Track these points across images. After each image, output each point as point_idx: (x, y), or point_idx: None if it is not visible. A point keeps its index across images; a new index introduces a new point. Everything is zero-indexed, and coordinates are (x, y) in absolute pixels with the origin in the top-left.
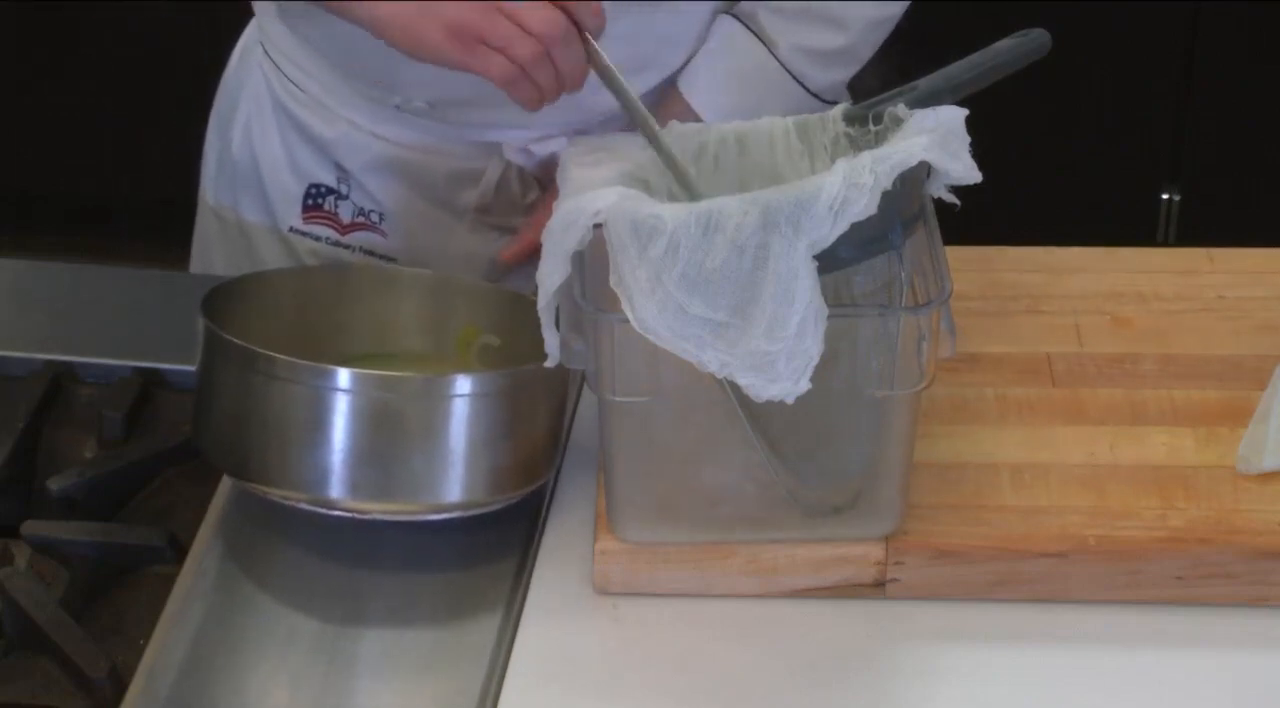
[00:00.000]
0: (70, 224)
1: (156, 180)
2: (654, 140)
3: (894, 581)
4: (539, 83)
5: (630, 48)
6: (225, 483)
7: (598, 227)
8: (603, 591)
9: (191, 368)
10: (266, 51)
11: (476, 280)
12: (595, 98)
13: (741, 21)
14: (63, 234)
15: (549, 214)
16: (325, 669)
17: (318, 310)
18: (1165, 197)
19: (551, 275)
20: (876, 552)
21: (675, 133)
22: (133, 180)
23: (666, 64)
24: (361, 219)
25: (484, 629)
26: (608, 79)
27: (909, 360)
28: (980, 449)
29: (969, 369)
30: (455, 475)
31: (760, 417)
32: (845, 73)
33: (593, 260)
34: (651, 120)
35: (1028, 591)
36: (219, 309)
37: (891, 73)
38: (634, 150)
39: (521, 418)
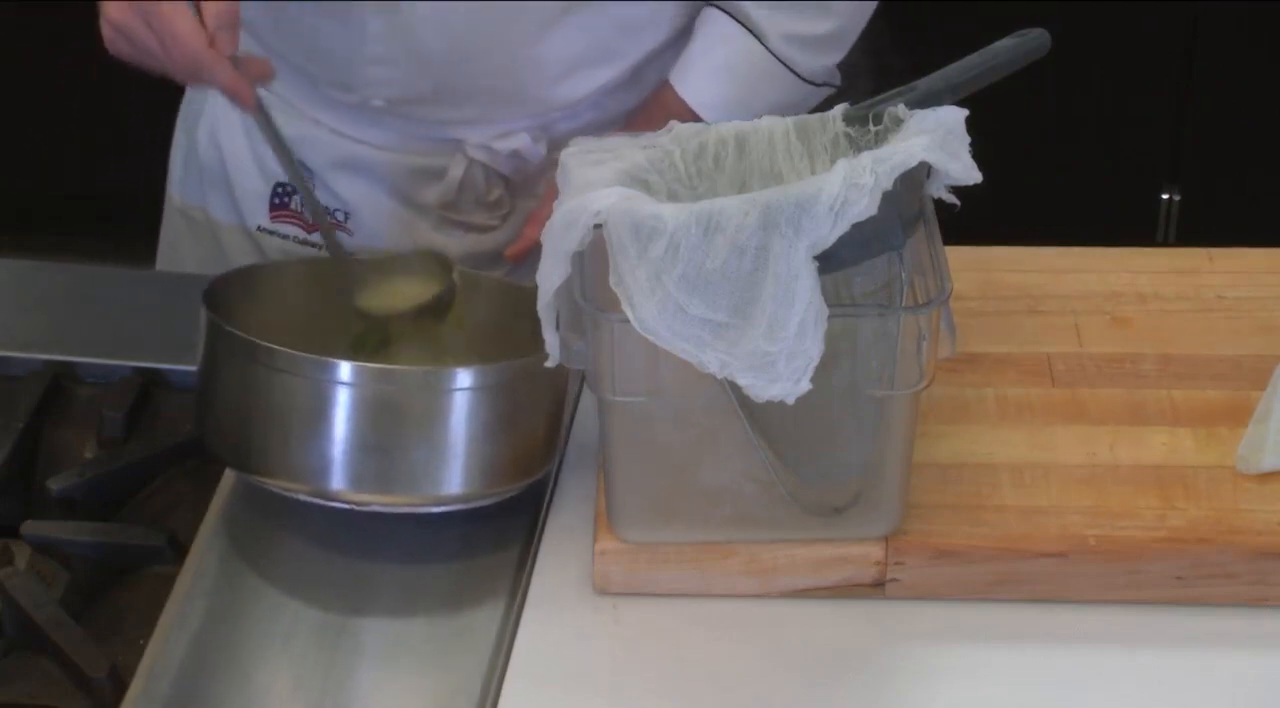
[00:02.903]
0: (70, 224)
1: (157, 180)
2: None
3: (894, 581)
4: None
5: (587, 38)
6: (225, 482)
7: (598, 227)
8: (603, 590)
9: (191, 368)
10: None
11: (479, 272)
12: (551, 92)
13: (728, 14)
14: (63, 234)
15: (550, 212)
16: (325, 669)
17: (320, 301)
18: (1165, 197)
19: (551, 275)
20: (876, 552)
21: (675, 133)
22: (133, 180)
23: (628, 54)
24: (329, 218)
25: (484, 629)
26: (272, 142)
27: (909, 360)
28: (980, 449)
29: (969, 369)
30: (454, 468)
31: (760, 417)
32: (835, 56)
33: (593, 260)
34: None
35: (1028, 591)
36: (221, 301)
37: (891, 73)
38: (634, 150)
39: (521, 412)
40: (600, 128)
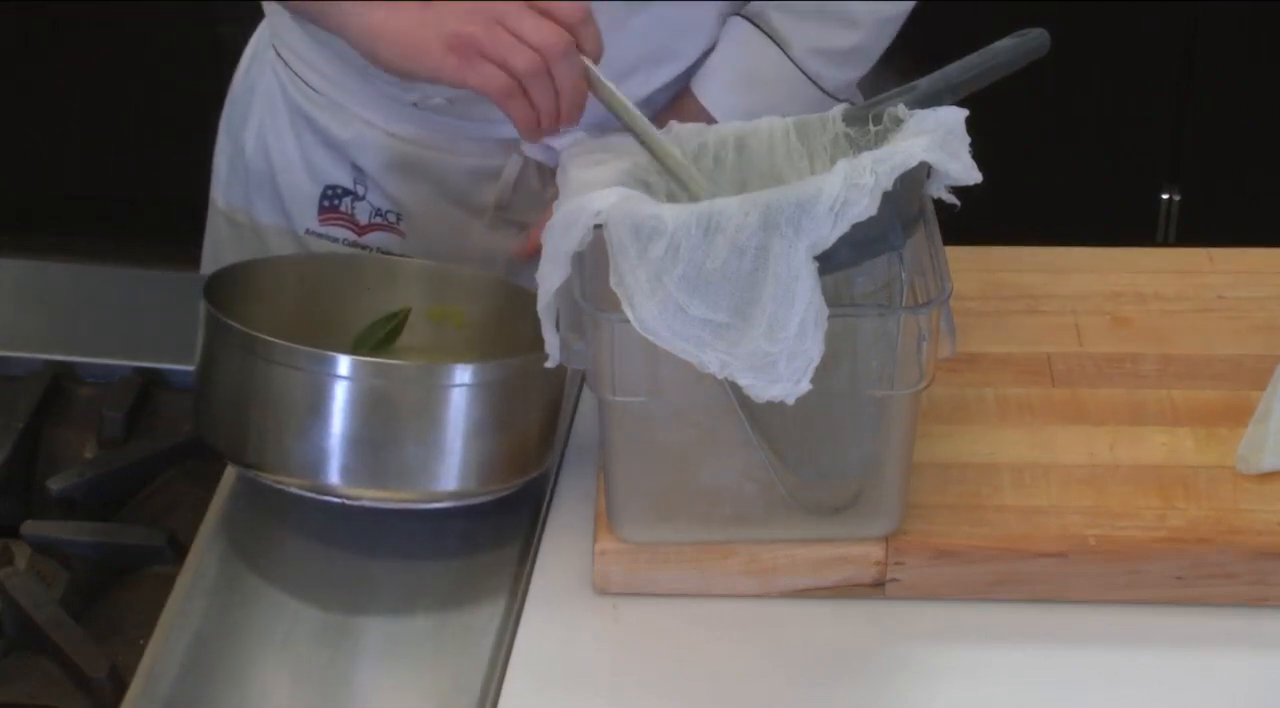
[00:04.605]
0: (70, 224)
1: (158, 180)
2: (664, 162)
3: (894, 581)
4: (535, 100)
5: (647, 42)
6: (225, 482)
7: (598, 227)
8: (603, 590)
9: (191, 368)
10: (279, 54)
11: (476, 271)
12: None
13: (753, 23)
14: (63, 234)
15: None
16: (325, 668)
17: (320, 298)
18: (1165, 197)
19: (551, 276)
20: (876, 552)
21: (675, 133)
22: (134, 180)
23: (684, 55)
24: (379, 220)
25: (484, 628)
26: (610, 102)
27: (909, 360)
28: (980, 449)
29: (969, 369)
30: (450, 464)
31: (760, 417)
32: (858, 71)
33: (593, 260)
34: (665, 143)
35: (1028, 591)
36: (221, 295)
37: (891, 73)
38: (634, 150)
39: (517, 409)
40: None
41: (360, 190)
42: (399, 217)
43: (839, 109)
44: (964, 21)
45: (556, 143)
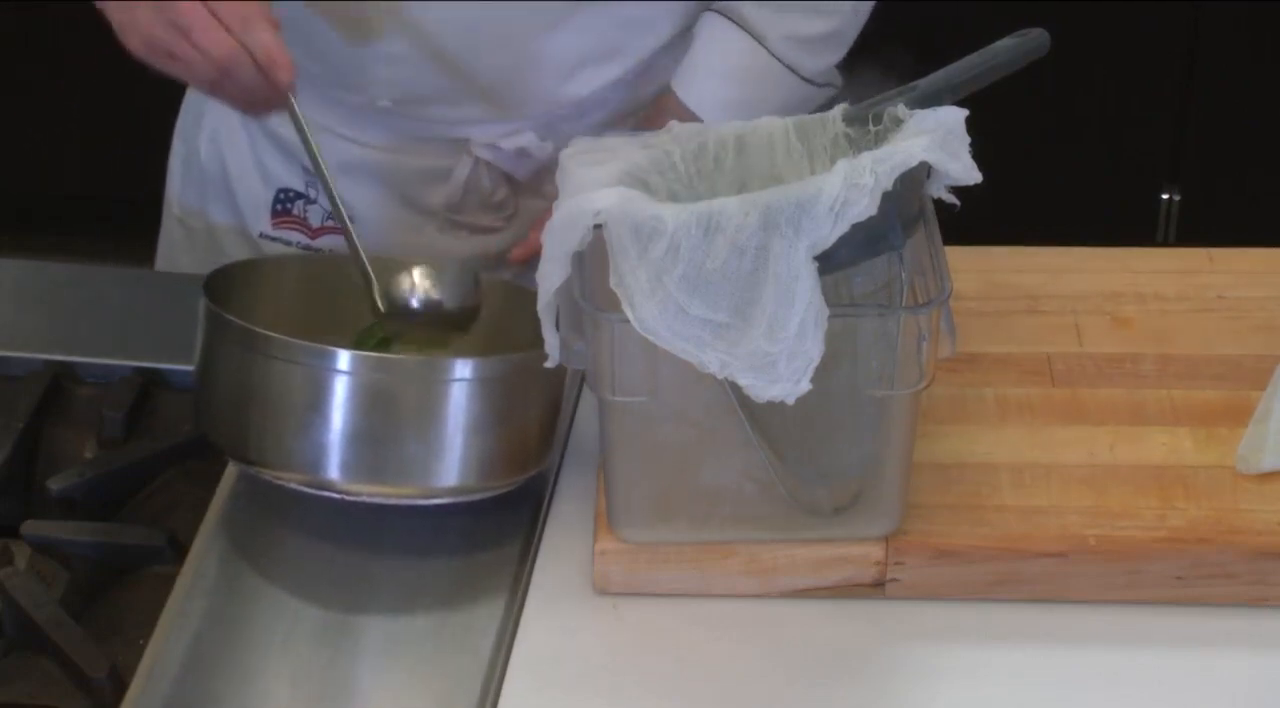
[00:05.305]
0: (70, 224)
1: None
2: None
3: (894, 581)
4: (231, 95)
5: (593, 35)
6: (225, 482)
7: (598, 227)
8: (603, 590)
9: (191, 368)
10: None
11: (484, 274)
12: (558, 89)
13: (727, 17)
14: (63, 234)
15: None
16: (326, 668)
17: (319, 298)
18: (1165, 197)
19: (551, 275)
20: (876, 552)
21: (675, 133)
22: (134, 180)
23: (633, 52)
24: (331, 222)
25: (484, 628)
26: (299, 131)
27: (909, 360)
28: (980, 449)
29: (969, 369)
30: (449, 460)
31: (760, 417)
32: (835, 56)
33: (593, 260)
34: (336, 191)
35: (1028, 591)
36: (221, 293)
37: (891, 73)
38: (634, 150)
39: (517, 405)
40: (606, 125)
41: (312, 193)
42: (351, 220)
43: (839, 109)
44: (964, 21)
45: (505, 143)
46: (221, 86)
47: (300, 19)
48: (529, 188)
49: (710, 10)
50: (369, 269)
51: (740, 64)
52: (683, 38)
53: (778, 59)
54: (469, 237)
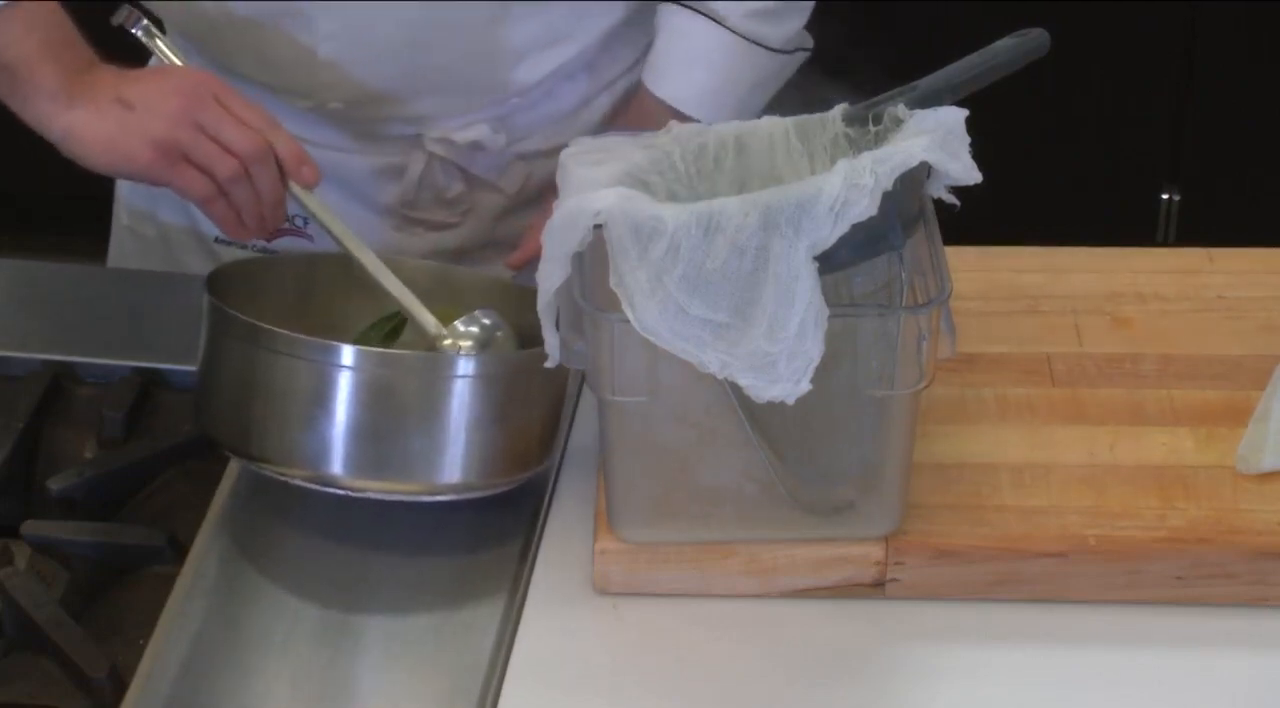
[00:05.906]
0: (70, 224)
1: None
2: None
3: (894, 581)
4: (237, 202)
5: (539, 21)
6: (225, 482)
7: (598, 227)
8: (603, 590)
9: (191, 368)
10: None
11: (476, 271)
12: (507, 77)
13: (685, 6)
14: (63, 234)
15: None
16: (326, 668)
17: (319, 297)
18: (1165, 197)
19: (551, 276)
20: (876, 552)
21: (675, 133)
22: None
23: (579, 37)
24: (286, 225)
25: (484, 627)
26: (312, 211)
27: (909, 360)
28: (980, 449)
29: (969, 369)
30: (451, 456)
31: (760, 417)
32: (799, 21)
33: (593, 260)
34: (367, 250)
35: (1028, 591)
36: (223, 289)
37: (891, 72)
38: (634, 150)
39: (519, 403)
40: (560, 116)
41: None
42: (306, 221)
43: (839, 109)
44: (964, 21)
45: (457, 137)
46: (230, 193)
47: (248, 29)
48: (484, 182)
49: (665, 4)
50: (416, 302)
51: (706, 48)
52: (637, 30)
53: (742, 36)
54: (425, 233)
